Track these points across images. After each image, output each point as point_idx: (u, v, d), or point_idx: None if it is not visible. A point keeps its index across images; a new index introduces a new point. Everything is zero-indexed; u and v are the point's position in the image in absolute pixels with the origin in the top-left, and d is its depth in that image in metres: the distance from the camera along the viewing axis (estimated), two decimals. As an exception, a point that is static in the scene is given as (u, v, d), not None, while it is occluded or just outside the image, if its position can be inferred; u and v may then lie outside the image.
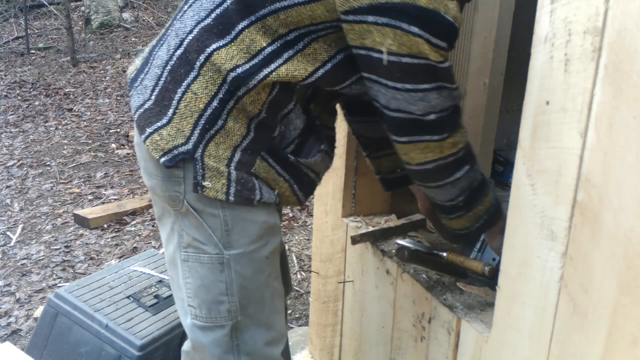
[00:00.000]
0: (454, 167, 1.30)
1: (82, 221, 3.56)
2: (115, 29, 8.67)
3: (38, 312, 2.64)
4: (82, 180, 4.21)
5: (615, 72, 0.89)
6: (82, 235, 3.44)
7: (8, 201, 3.87)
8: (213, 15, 1.21)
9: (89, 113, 5.58)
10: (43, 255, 3.21)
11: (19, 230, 3.49)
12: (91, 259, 3.19)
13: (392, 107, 1.21)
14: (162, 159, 1.22)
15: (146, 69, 1.31)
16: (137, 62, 1.37)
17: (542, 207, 1.05)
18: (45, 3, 9.24)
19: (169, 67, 1.24)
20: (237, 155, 1.24)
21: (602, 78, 0.91)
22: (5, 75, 6.70)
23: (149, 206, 3.76)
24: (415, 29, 1.11)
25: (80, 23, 9.06)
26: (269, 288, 1.36)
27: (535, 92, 1.04)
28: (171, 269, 1.39)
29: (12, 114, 5.50)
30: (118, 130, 5.17)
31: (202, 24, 1.22)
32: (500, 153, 2.11)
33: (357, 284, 1.85)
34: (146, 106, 1.27)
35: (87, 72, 6.85)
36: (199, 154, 1.22)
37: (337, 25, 1.18)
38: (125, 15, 9.34)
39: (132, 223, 3.59)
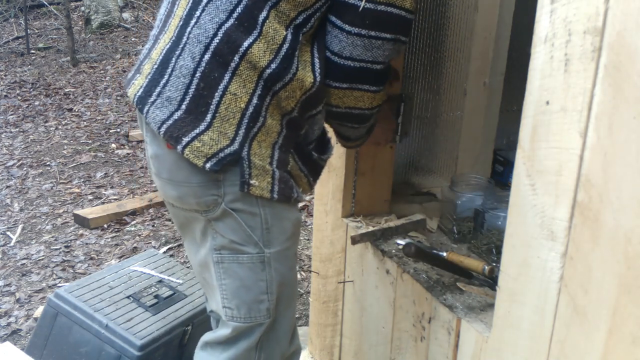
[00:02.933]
0: (372, 116, 1.43)
1: (82, 221, 3.56)
2: (115, 29, 8.67)
3: (38, 312, 2.64)
4: (82, 180, 4.21)
5: (615, 72, 0.89)
6: (82, 235, 3.44)
7: (8, 201, 3.87)
8: (235, 14, 1.21)
9: (89, 113, 5.58)
10: (43, 255, 3.21)
11: (19, 230, 3.49)
12: (91, 259, 3.19)
13: (345, 54, 1.27)
14: (208, 164, 1.21)
15: (162, 82, 1.26)
16: (140, 79, 1.31)
17: (542, 207, 1.05)
18: (45, 3, 9.24)
19: (198, 74, 1.22)
20: (276, 154, 1.28)
21: (602, 78, 0.91)
22: (5, 75, 6.70)
23: (149, 206, 3.76)
24: None
25: (80, 23, 9.06)
26: (295, 282, 1.44)
27: (535, 92, 1.04)
28: (204, 272, 1.41)
29: (12, 114, 5.50)
30: (118, 130, 5.17)
31: (226, 26, 1.21)
32: (500, 153, 2.11)
33: (357, 284, 1.85)
34: (175, 117, 1.23)
35: (87, 72, 6.85)
36: (245, 152, 1.23)
37: None
38: (125, 15, 9.34)
39: (132, 223, 3.59)
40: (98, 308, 2.00)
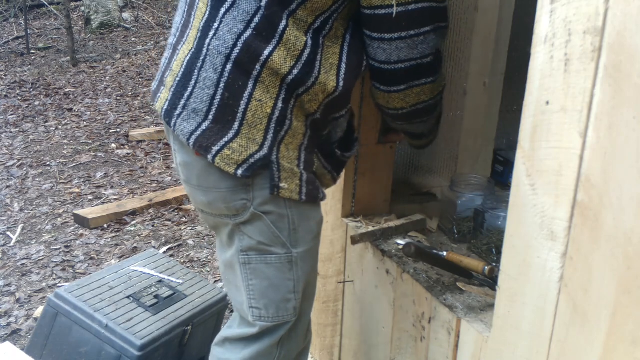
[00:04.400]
0: (438, 104, 1.45)
1: (82, 221, 3.56)
2: (115, 29, 8.68)
3: (38, 312, 2.64)
4: (82, 180, 4.21)
5: (615, 72, 0.89)
6: (82, 235, 3.44)
7: (8, 201, 3.87)
8: (252, 24, 1.22)
9: (89, 113, 5.58)
10: (43, 255, 3.21)
11: (19, 230, 3.49)
12: (91, 259, 3.19)
13: (394, 59, 1.29)
14: (239, 171, 1.24)
15: (186, 94, 1.27)
16: (164, 92, 1.33)
17: (542, 207, 1.05)
18: (45, 3, 9.24)
19: (222, 85, 1.24)
20: (303, 155, 1.30)
21: (602, 78, 0.91)
22: (5, 75, 6.70)
23: (149, 206, 3.76)
24: None
25: (80, 23, 9.06)
26: (315, 280, 1.49)
27: (535, 92, 1.04)
28: (228, 273, 1.43)
29: (12, 114, 5.50)
30: (118, 130, 5.17)
31: (245, 36, 1.23)
32: (500, 153, 2.11)
33: (357, 284, 1.85)
34: (203, 127, 1.25)
35: (87, 72, 6.85)
36: (275, 156, 1.26)
37: None
38: (125, 15, 9.34)
39: (132, 223, 3.59)
40: (98, 308, 2.00)
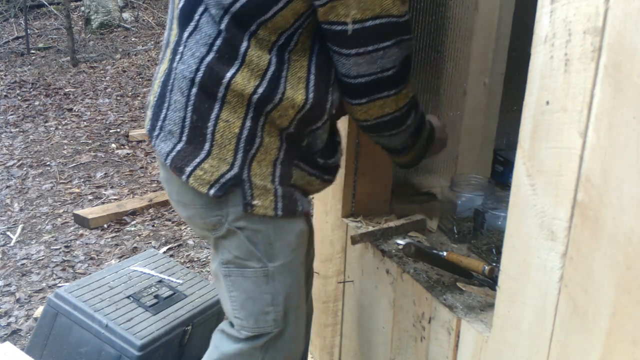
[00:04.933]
0: (407, 116, 1.38)
1: (82, 221, 3.56)
2: (115, 29, 8.68)
3: (38, 312, 2.64)
4: (82, 180, 4.21)
5: (615, 72, 0.89)
6: (82, 235, 3.44)
7: (8, 201, 3.87)
8: (214, 48, 1.23)
9: (89, 113, 5.58)
10: (43, 255, 3.21)
11: (19, 230, 3.49)
12: (91, 259, 3.19)
13: (353, 74, 1.26)
14: (212, 191, 1.26)
15: (161, 116, 1.32)
16: (149, 111, 1.39)
17: (542, 207, 1.05)
18: (45, 3, 9.24)
19: (190, 108, 1.27)
20: (278, 170, 1.29)
21: (602, 78, 0.91)
22: (5, 75, 6.70)
23: (149, 206, 3.76)
24: None
25: (80, 23, 9.06)
26: (302, 290, 1.45)
27: (535, 92, 1.04)
28: (216, 282, 1.46)
29: (12, 114, 5.50)
30: (118, 130, 5.17)
31: (207, 60, 1.23)
32: (500, 153, 2.11)
33: (357, 284, 1.85)
34: (178, 148, 1.29)
35: (87, 72, 6.86)
36: (246, 175, 1.26)
37: (314, 10, 1.22)
38: (125, 15, 9.34)
39: (132, 223, 3.59)
40: (98, 308, 2.00)
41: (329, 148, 1.40)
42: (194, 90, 1.26)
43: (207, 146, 1.26)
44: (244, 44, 1.22)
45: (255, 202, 1.28)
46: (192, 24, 1.26)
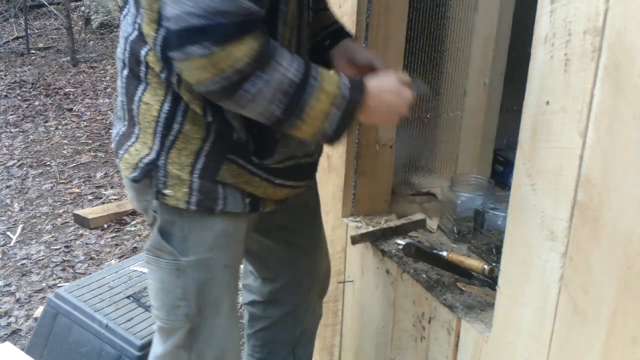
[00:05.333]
0: (243, 83, 1.08)
1: (82, 221, 3.55)
2: (115, 29, 8.67)
3: (38, 312, 2.64)
4: (82, 180, 4.21)
5: (615, 72, 0.89)
6: (82, 235, 3.44)
7: (8, 201, 3.87)
8: (136, 26, 1.21)
9: (89, 113, 5.58)
10: (43, 255, 3.21)
11: (19, 230, 3.49)
12: (91, 259, 3.19)
13: (168, 14, 1.04)
14: (132, 175, 1.25)
15: (117, 102, 1.35)
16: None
17: (542, 207, 1.05)
18: (45, 3, 9.24)
19: (124, 90, 1.27)
20: (201, 162, 1.22)
21: (602, 78, 0.91)
22: (5, 75, 6.70)
23: (149, 206, 3.76)
24: None
25: (80, 23, 9.06)
26: (226, 295, 1.35)
27: (535, 92, 1.04)
28: None
29: (12, 114, 5.50)
30: (118, 130, 5.17)
31: (130, 39, 1.22)
32: (500, 153, 2.11)
33: (357, 284, 1.85)
34: (120, 132, 1.31)
35: (87, 72, 6.85)
36: (162, 161, 1.22)
37: None
38: (125, 15, 9.32)
39: (132, 223, 3.59)
40: (98, 308, 2.00)
41: (261, 145, 1.25)
42: (125, 71, 1.25)
43: (136, 130, 1.25)
44: (139, 18, 1.19)
45: (166, 192, 1.22)
46: (127, 6, 1.24)
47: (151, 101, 1.21)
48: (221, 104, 1.14)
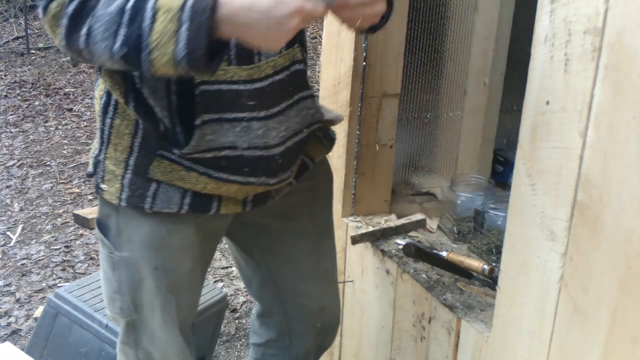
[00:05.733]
0: (77, 25, 1.00)
1: (82, 221, 3.54)
2: (115, 29, 8.66)
3: (38, 312, 2.64)
4: (82, 180, 4.20)
5: (615, 72, 0.89)
6: (82, 235, 3.44)
7: (8, 201, 3.87)
8: None
9: (89, 113, 5.58)
10: (43, 255, 3.21)
11: (19, 230, 3.49)
12: (91, 259, 3.19)
13: None
14: (87, 170, 1.28)
15: None
16: None
17: (542, 207, 1.05)
18: (45, 3, 9.23)
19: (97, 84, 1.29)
20: (133, 157, 1.21)
21: (602, 78, 0.91)
22: (5, 75, 6.70)
23: (149, 206, 3.76)
24: None
25: (80, 23, 9.06)
26: (159, 297, 1.29)
27: (535, 92, 1.04)
28: None
29: (12, 114, 5.50)
30: (118, 130, 5.17)
31: None
32: (500, 153, 2.11)
33: (357, 284, 1.85)
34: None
35: (87, 72, 6.85)
36: (102, 156, 1.24)
37: None
38: (125, 15, 9.32)
39: (132, 223, 3.59)
40: (98, 308, 2.00)
41: (173, 132, 1.16)
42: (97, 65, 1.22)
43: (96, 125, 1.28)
44: None
45: (103, 186, 1.23)
46: None
47: (97, 95, 1.24)
48: (80, 59, 1.06)
